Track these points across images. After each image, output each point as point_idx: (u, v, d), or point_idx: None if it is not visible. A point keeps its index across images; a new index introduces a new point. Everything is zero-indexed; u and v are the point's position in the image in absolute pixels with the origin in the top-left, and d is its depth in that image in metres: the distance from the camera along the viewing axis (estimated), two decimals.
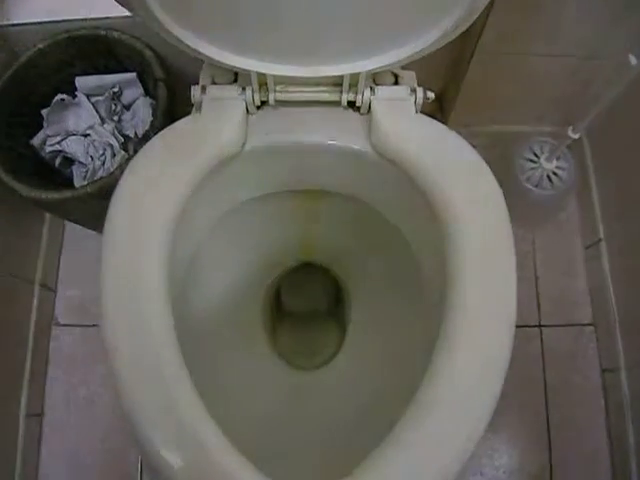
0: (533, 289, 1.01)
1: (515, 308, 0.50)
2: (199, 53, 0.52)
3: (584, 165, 1.00)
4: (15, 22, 0.83)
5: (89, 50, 0.86)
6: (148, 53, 0.83)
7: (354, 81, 0.56)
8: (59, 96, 0.88)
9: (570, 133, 0.82)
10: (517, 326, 0.98)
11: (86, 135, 0.90)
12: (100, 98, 0.91)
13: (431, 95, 0.58)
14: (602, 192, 0.97)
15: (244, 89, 0.57)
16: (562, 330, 0.99)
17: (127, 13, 0.83)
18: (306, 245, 0.78)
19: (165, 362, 0.47)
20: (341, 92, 0.58)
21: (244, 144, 0.58)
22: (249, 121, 0.59)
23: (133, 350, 0.48)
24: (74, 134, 0.90)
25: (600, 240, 0.97)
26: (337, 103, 0.59)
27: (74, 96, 0.91)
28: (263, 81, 0.57)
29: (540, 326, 0.99)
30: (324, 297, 0.86)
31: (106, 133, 0.88)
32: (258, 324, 0.78)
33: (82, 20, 0.84)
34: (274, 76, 0.55)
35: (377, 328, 0.74)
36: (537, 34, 0.78)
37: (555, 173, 0.94)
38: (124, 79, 0.90)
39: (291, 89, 0.58)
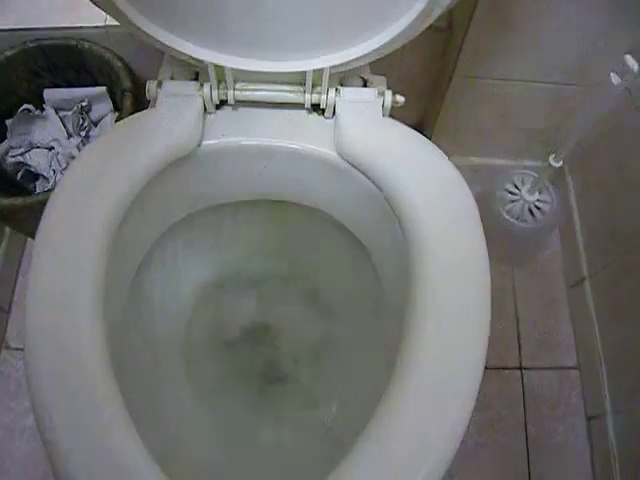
0: (514, 329, 0.95)
1: (488, 315, 0.44)
2: (156, 40, 0.49)
3: (567, 201, 0.96)
4: None
5: (59, 61, 0.84)
6: (117, 64, 0.80)
7: (318, 80, 0.53)
8: (25, 106, 0.85)
9: (552, 161, 0.79)
10: (497, 367, 0.93)
11: (50, 148, 0.87)
12: (68, 113, 0.88)
13: (401, 99, 0.55)
14: (586, 228, 0.94)
15: (202, 86, 0.54)
16: (545, 373, 0.93)
17: (99, 23, 0.82)
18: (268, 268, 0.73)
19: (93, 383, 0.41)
20: (304, 92, 0.54)
21: (199, 145, 0.54)
22: (206, 120, 0.55)
23: (56, 368, 0.42)
24: (38, 147, 0.87)
25: (584, 279, 0.92)
26: (301, 105, 0.56)
27: (42, 109, 0.88)
28: (222, 77, 0.53)
29: (521, 368, 0.93)
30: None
31: (71, 146, 0.85)
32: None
33: (53, 29, 0.82)
34: (233, 71, 0.52)
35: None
36: (515, 58, 0.76)
37: (537, 206, 0.90)
38: (94, 93, 0.88)
39: (251, 87, 0.54)
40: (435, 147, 0.52)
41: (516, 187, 0.92)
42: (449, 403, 0.42)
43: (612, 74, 0.63)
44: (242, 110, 0.56)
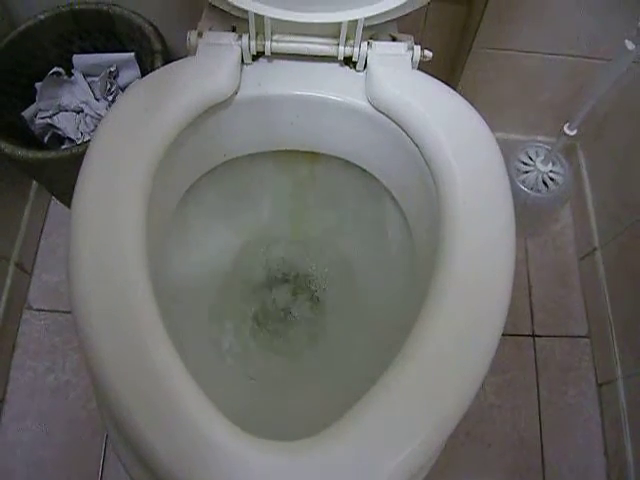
0: (526, 298, 0.98)
1: (514, 256, 0.47)
2: None
3: (579, 174, 0.99)
4: None
5: (89, 26, 0.87)
6: (148, 28, 0.83)
7: (351, 33, 0.56)
8: (54, 69, 0.88)
9: (566, 129, 0.82)
10: (510, 334, 0.96)
11: (79, 111, 0.89)
12: (96, 78, 0.91)
13: (429, 54, 0.57)
14: (597, 201, 0.96)
15: (241, 37, 0.57)
16: (556, 341, 0.95)
17: None
18: (296, 224, 0.75)
19: (143, 324, 0.43)
20: (338, 45, 0.57)
21: (236, 93, 0.57)
22: (243, 70, 0.58)
23: (106, 311, 0.43)
24: (66, 110, 0.89)
25: (595, 249, 0.95)
26: (334, 58, 0.58)
27: (70, 74, 0.91)
28: (260, 29, 0.56)
29: (534, 336, 0.95)
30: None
31: (100, 107, 0.87)
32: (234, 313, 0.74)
33: None
34: (272, 22, 0.55)
35: (359, 317, 0.71)
36: (533, 29, 0.79)
37: (550, 177, 0.93)
38: (122, 59, 0.90)
39: (288, 39, 0.57)
40: (461, 98, 0.55)
41: (530, 158, 0.95)
42: (477, 336, 0.44)
43: (627, 41, 0.65)
44: (277, 62, 0.59)
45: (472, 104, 0.85)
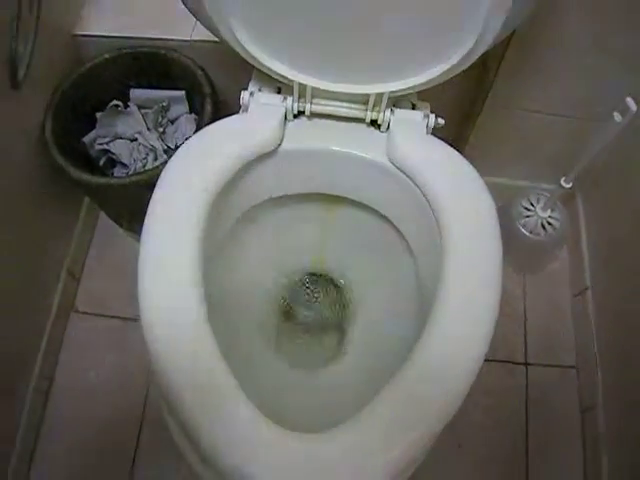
0: (522, 328, 1.08)
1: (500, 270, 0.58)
2: (262, 64, 0.63)
3: (576, 220, 1.09)
4: (88, 33, 0.96)
5: (147, 66, 0.98)
6: (199, 73, 0.94)
7: (377, 101, 0.67)
8: (113, 102, 1.00)
9: (562, 183, 0.92)
10: (504, 361, 1.06)
11: (133, 140, 1.01)
12: (149, 110, 1.03)
13: (441, 122, 0.69)
14: (591, 244, 1.06)
15: (285, 99, 0.68)
16: (546, 370, 1.05)
17: (185, 37, 0.96)
18: (319, 252, 0.87)
19: (192, 315, 0.54)
20: (366, 110, 0.68)
21: (279, 145, 0.68)
22: (286, 126, 0.69)
23: (164, 299, 0.56)
24: (121, 138, 1.01)
25: (587, 288, 1.05)
26: (362, 120, 0.69)
27: (126, 106, 1.03)
28: (302, 93, 0.67)
29: (526, 364, 1.05)
30: (329, 309, 0.93)
31: (152, 137, 0.99)
32: (267, 322, 0.86)
33: (145, 39, 0.96)
34: (312, 89, 0.66)
35: (377, 331, 0.82)
36: (538, 93, 0.90)
37: (549, 222, 1.03)
38: (173, 96, 1.02)
39: (324, 102, 0.68)
40: (464, 159, 0.66)
41: (531, 204, 1.05)
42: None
43: (615, 113, 0.76)
44: (315, 120, 0.70)
45: (482, 153, 0.96)
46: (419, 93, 0.70)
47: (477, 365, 0.53)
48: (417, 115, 0.69)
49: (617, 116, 0.76)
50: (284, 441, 0.48)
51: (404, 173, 0.66)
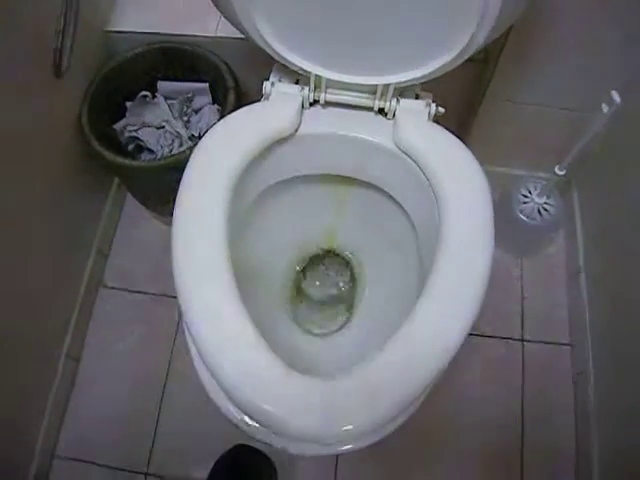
0: (519, 307, 1.15)
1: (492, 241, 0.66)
2: (282, 58, 0.71)
3: (572, 205, 1.16)
4: (119, 29, 1.05)
5: (174, 60, 1.07)
6: (223, 67, 1.03)
7: (385, 91, 0.75)
8: (142, 93, 1.09)
9: (557, 170, 0.99)
10: (503, 337, 1.13)
11: (160, 127, 1.09)
12: (174, 101, 1.11)
13: (441, 110, 0.76)
14: (585, 229, 1.13)
15: (303, 88, 0.76)
16: (542, 346, 1.12)
17: (210, 34, 1.04)
18: (332, 229, 0.95)
19: (221, 276, 0.63)
20: (374, 99, 0.76)
21: (296, 130, 0.76)
22: (303, 113, 0.77)
23: (195, 265, 0.64)
24: (149, 126, 1.10)
25: (580, 271, 1.12)
26: (370, 109, 0.77)
27: (154, 96, 1.11)
28: (318, 84, 0.75)
29: (523, 340, 1.13)
30: (340, 282, 1.01)
31: (178, 125, 1.07)
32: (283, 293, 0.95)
33: (173, 35, 1.04)
34: (327, 80, 0.74)
35: (385, 303, 0.90)
36: (534, 86, 0.97)
37: (545, 208, 1.10)
38: (198, 88, 1.10)
39: (337, 92, 0.76)
40: (461, 143, 0.73)
41: (528, 191, 1.12)
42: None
43: (603, 104, 0.83)
44: (328, 108, 0.78)
45: (483, 143, 1.04)
46: (422, 84, 0.78)
47: (472, 314, 0.61)
48: (420, 104, 0.76)
49: (605, 107, 0.83)
50: (300, 381, 0.56)
51: (408, 156, 0.74)
